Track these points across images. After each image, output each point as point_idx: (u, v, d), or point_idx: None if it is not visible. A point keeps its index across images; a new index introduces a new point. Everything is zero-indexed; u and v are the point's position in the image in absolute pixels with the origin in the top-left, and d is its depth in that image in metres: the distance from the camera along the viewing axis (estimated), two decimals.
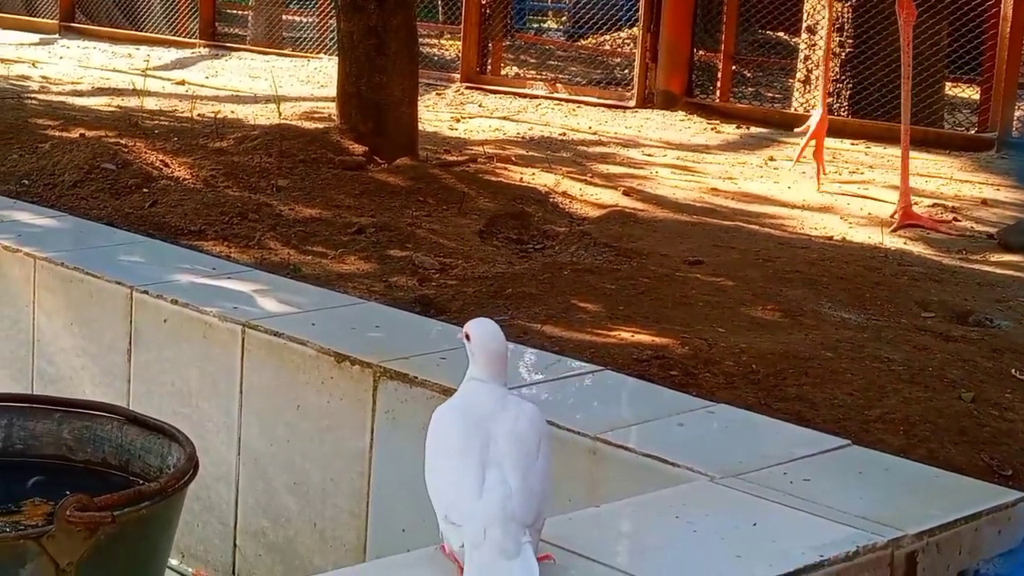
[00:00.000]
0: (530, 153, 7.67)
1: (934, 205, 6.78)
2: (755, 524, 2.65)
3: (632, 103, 9.76)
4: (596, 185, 6.74)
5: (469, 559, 2.22)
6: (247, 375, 3.88)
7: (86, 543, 2.95)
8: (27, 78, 9.86)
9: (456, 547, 2.28)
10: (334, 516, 3.68)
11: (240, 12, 14.39)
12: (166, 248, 4.83)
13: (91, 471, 3.55)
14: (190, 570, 4.06)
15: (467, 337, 2.49)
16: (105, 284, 4.25)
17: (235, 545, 3.96)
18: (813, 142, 7.32)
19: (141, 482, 3.36)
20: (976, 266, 5.62)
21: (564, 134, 8.67)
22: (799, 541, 2.58)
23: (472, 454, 2.33)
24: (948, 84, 10.09)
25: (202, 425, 3.89)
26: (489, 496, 2.28)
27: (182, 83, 10.10)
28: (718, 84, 9.91)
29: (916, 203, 6.57)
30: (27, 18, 13.79)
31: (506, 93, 10.21)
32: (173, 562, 3.76)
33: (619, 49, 12.54)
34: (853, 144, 8.65)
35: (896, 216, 6.37)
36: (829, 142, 8.55)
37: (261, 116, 8.11)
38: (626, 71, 10.55)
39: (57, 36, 13.06)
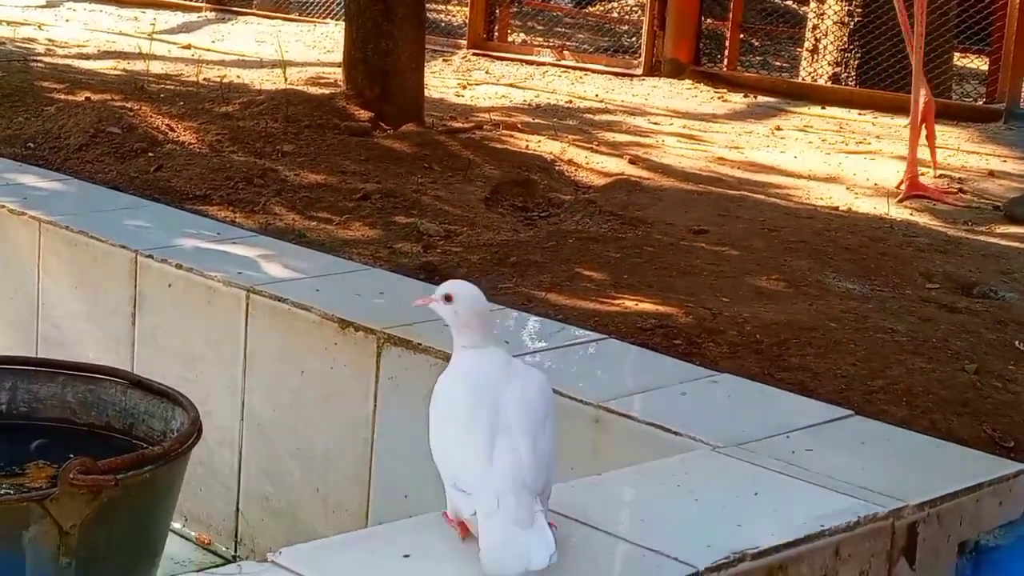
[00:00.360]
0: (536, 120, 7.66)
1: (940, 176, 6.76)
2: (756, 493, 2.66)
3: (639, 71, 9.72)
4: (602, 153, 6.73)
5: (484, 528, 2.19)
6: (251, 340, 3.88)
7: (90, 506, 2.96)
8: (33, 40, 9.83)
9: (466, 515, 2.25)
10: (337, 482, 3.69)
11: None
12: (171, 212, 4.83)
13: (95, 434, 3.56)
14: (193, 534, 4.08)
15: (447, 299, 2.41)
16: (110, 248, 4.25)
17: (238, 510, 3.97)
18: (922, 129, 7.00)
19: (145, 446, 3.37)
20: (982, 238, 5.61)
21: (570, 102, 8.64)
22: (800, 511, 2.59)
23: (481, 421, 2.30)
24: (956, 54, 10.04)
25: (206, 390, 3.90)
26: (500, 463, 2.26)
27: (188, 47, 10.07)
28: (726, 53, 9.87)
29: (922, 174, 6.55)
30: None
31: (513, 60, 10.18)
32: (176, 526, 3.78)
33: (626, 16, 12.48)
34: (860, 114, 8.62)
35: (902, 186, 6.36)
36: (835, 112, 8.52)
37: (267, 81, 8.09)
38: (633, 39, 10.50)
39: None
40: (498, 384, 2.37)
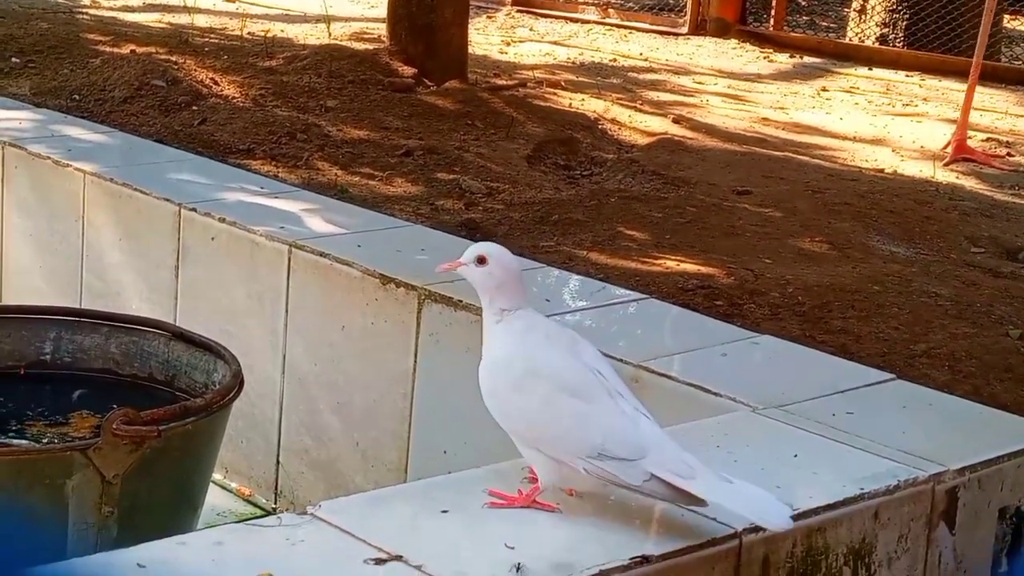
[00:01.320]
0: (580, 79, 7.62)
1: (988, 139, 6.70)
2: (796, 455, 2.65)
3: (684, 30, 9.65)
4: (645, 112, 6.70)
5: (697, 487, 2.16)
6: (293, 295, 3.90)
7: (132, 456, 2.98)
8: None
9: (634, 481, 2.19)
10: (377, 436, 3.71)
11: None
12: (214, 166, 4.84)
13: (137, 385, 3.59)
14: (233, 486, 4.11)
15: (481, 261, 2.32)
16: (154, 201, 4.27)
17: (278, 462, 4.00)
18: None
19: (187, 398, 3.39)
20: None
21: (614, 60, 8.60)
22: (839, 474, 2.58)
23: (599, 387, 2.26)
24: (1006, 16, 9.92)
25: (247, 343, 3.92)
26: (646, 425, 2.24)
27: (233, 1, 10.07)
28: (772, 12, 9.79)
29: (970, 137, 6.49)
30: None
31: (557, 18, 10.13)
32: (217, 477, 3.81)
33: None
34: (908, 76, 8.54)
35: (949, 148, 6.30)
36: (882, 73, 8.45)
37: (311, 36, 8.08)
38: None
39: None
40: (574, 347, 2.33)
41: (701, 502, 2.20)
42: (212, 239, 4.11)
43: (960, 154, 6.24)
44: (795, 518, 2.37)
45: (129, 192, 4.34)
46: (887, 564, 2.57)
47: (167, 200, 4.24)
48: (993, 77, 8.35)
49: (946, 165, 6.10)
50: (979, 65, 6.62)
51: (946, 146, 6.37)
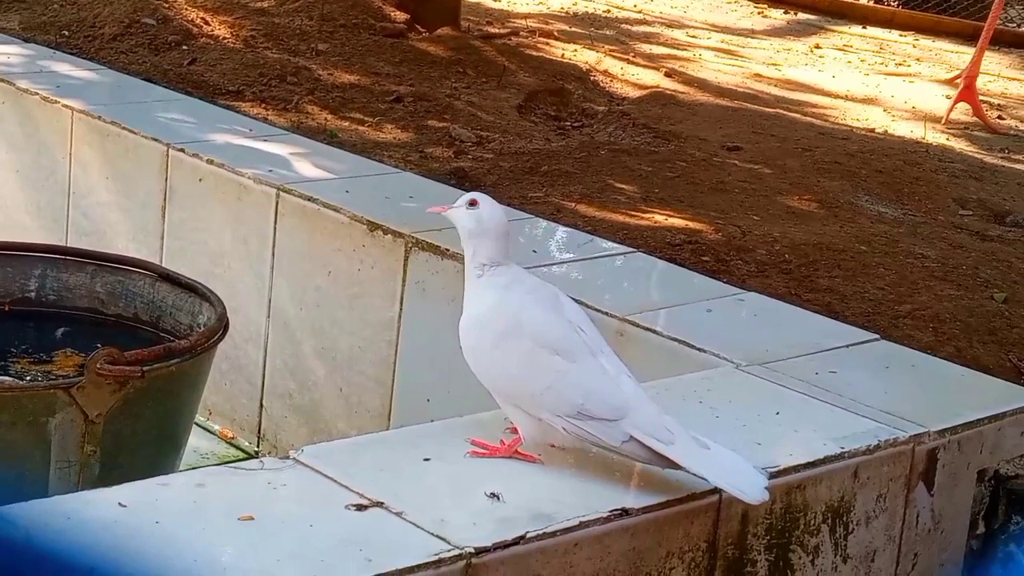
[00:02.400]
0: (573, 29, 7.59)
1: (980, 102, 6.69)
2: (778, 413, 2.66)
3: None
4: (638, 65, 6.67)
5: (675, 452, 2.17)
6: (279, 239, 3.89)
7: (115, 396, 2.98)
8: None
9: (612, 442, 2.20)
10: (360, 383, 3.72)
11: None
12: (203, 107, 4.82)
13: (122, 325, 3.58)
14: (217, 428, 4.12)
15: (472, 203, 2.31)
16: (142, 140, 4.25)
17: (262, 406, 4.01)
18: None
19: (171, 339, 3.39)
20: (1018, 166, 5.56)
21: (608, 11, 8.56)
22: (821, 432, 2.59)
23: (581, 345, 2.25)
24: None
25: (233, 286, 3.91)
26: (628, 385, 2.24)
27: None
28: None
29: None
30: None
31: None
32: (200, 419, 3.81)
33: None
34: (902, 35, 8.52)
35: (960, 81, 6.28)
36: (876, 32, 8.43)
37: None
38: None
39: None
40: (556, 303, 2.32)
41: (678, 466, 2.21)
42: (200, 180, 4.09)
43: (967, 96, 6.22)
44: (775, 475, 2.39)
45: (117, 130, 4.32)
46: (865, 523, 2.59)
47: (155, 140, 4.22)
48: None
49: (952, 105, 6.10)
50: (1000, 3, 6.62)
51: (956, 77, 6.36)
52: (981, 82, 6.95)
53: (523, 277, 2.36)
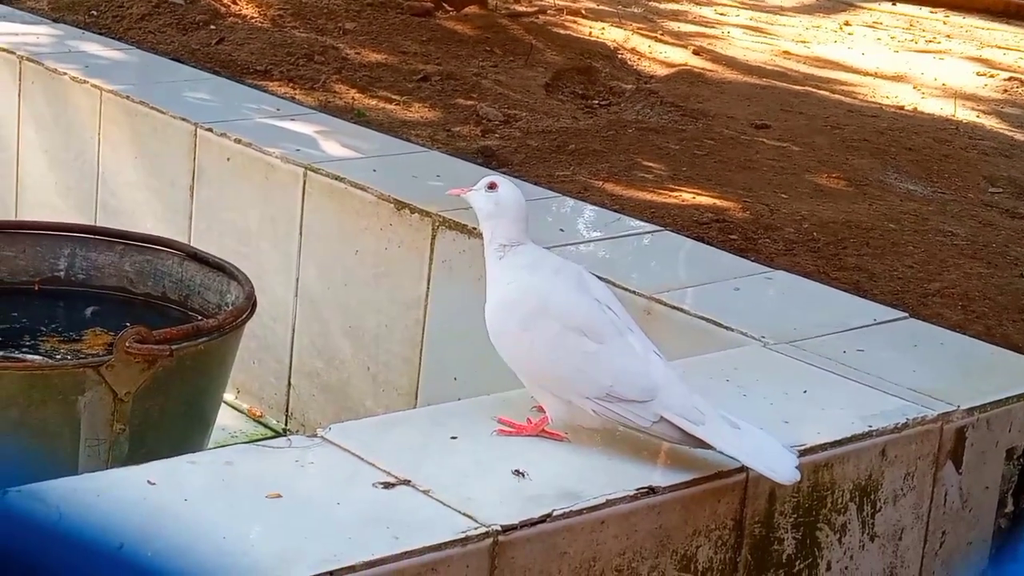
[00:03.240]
0: (600, 7, 7.56)
1: (1011, 79, 6.64)
2: (805, 391, 2.65)
3: None
4: (666, 43, 6.65)
5: (705, 432, 2.17)
6: (307, 218, 3.90)
7: (144, 374, 3.00)
8: None
9: (643, 423, 2.20)
10: (387, 361, 3.72)
11: None
12: (231, 86, 4.82)
13: (150, 304, 3.60)
14: (245, 406, 4.13)
15: (491, 186, 2.31)
16: (170, 120, 4.26)
17: (289, 384, 4.02)
18: None
19: (199, 318, 3.40)
20: None
21: None
22: (848, 410, 2.58)
23: (609, 325, 2.24)
24: None
25: (261, 265, 3.92)
26: (657, 364, 2.23)
27: None
28: None
29: (992, 75, 6.43)
30: None
31: None
32: (228, 397, 3.83)
33: None
34: (932, 12, 8.46)
35: None
36: (906, 9, 8.37)
37: None
38: None
39: None
40: (582, 282, 2.31)
41: (709, 446, 2.21)
42: (228, 160, 4.10)
43: None
44: (802, 453, 2.38)
45: (145, 110, 4.33)
46: (893, 501, 2.58)
47: (183, 119, 4.23)
48: (1018, 16, 8.27)
49: None
50: None
51: None
52: (1012, 59, 6.90)
53: (545, 256, 2.35)
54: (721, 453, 2.21)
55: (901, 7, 8.53)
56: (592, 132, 4.89)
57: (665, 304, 3.10)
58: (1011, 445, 2.79)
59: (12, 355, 3.36)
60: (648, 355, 2.25)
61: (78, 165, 4.56)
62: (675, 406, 2.19)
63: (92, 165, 4.50)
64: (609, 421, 2.24)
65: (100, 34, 5.46)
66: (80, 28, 5.51)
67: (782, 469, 2.19)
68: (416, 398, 3.65)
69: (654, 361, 2.25)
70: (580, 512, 2.12)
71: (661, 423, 2.20)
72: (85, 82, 4.54)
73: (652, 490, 2.20)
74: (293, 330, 3.98)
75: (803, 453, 2.39)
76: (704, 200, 4.17)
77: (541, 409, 2.31)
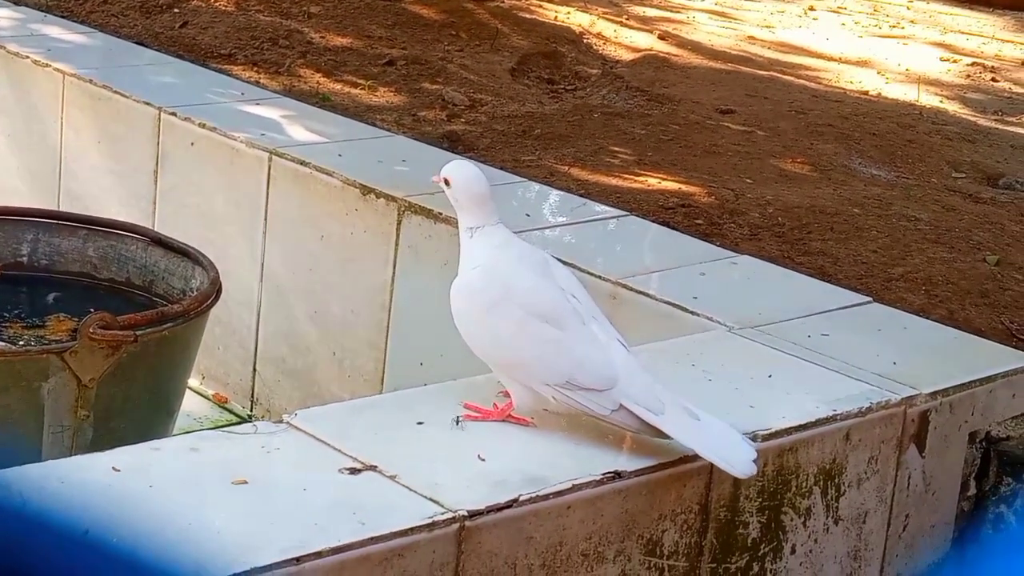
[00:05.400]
0: None
1: (973, 64, 6.68)
2: (770, 376, 2.67)
3: None
4: (631, 28, 6.65)
5: (664, 423, 2.18)
6: (272, 203, 3.88)
7: (108, 360, 2.98)
8: None
9: (602, 411, 2.20)
10: (353, 347, 3.72)
11: None
12: (195, 70, 4.80)
13: (115, 290, 3.58)
14: (210, 392, 4.12)
15: (446, 182, 2.34)
16: (133, 104, 4.23)
17: (255, 370, 4.01)
18: None
19: (164, 303, 3.39)
20: (1012, 128, 5.55)
21: None
22: (813, 395, 2.60)
23: (572, 313, 2.24)
24: None
25: (226, 250, 3.91)
26: (619, 353, 2.23)
27: None
28: None
29: (955, 60, 6.46)
30: None
31: None
32: (193, 383, 3.81)
33: None
34: None
35: None
36: None
37: None
38: None
39: None
40: (546, 268, 2.31)
41: (668, 436, 2.22)
42: (192, 144, 4.08)
43: None
44: (767, 437, 2.40)
45: (109, 94, 4.30)
46: (856, 484, 2.60)
47: (147, 104, 4.20)
48: (980, 1, 8.31)
49: None
50: None
51: None
52: (975, 44, 6.94)
53: (512, 241, 2.35)
54: (679, 444, 2.22)
55: None
56: (558, 117, 4.89)
57: (631, 289, 3.11)
58: (974, 429, 2.81)
59: None
60: (610, 343, 2.26)
61: (41, 150, 4.53)
62: (635, 395, 2.20)
63: (55, 150, 4.47)
64: (571, 408, 2.25)
65: (62, 17, 5.41)
66: (42, 11, 5.46)
67: (738, 462, 2.21)
68: (382, 383, 3.65)
69: (616, 349, 2.25)
70: (546, 497, 2.13)
71: (620, 411, 2.20)
72: (47, 66, 4.50)
73: (618, 475, 2.21)
74: (258, 315, 3.97)
75: (768, 437, 2.41)
76: (670, 185, 4.18)
77: (507, 394, 2.32)
